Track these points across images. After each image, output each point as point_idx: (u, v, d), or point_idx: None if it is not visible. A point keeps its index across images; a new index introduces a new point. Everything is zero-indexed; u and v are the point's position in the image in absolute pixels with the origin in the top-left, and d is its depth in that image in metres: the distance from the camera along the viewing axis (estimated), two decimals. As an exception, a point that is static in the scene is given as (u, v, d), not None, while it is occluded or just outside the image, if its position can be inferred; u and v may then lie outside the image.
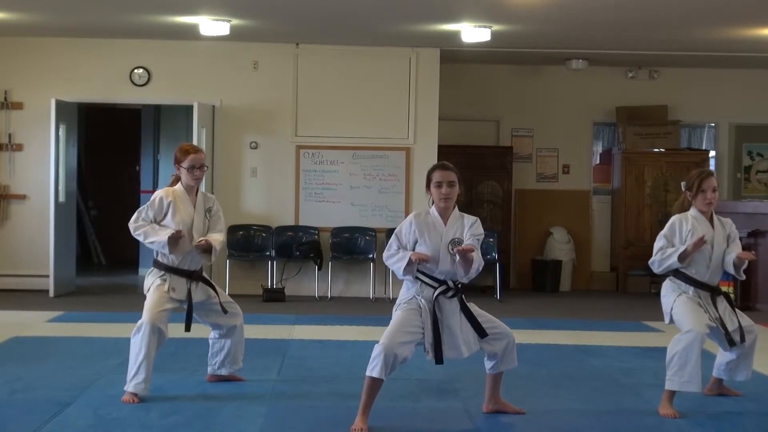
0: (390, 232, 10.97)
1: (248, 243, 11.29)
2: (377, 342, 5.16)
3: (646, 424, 5.54)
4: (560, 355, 7.68)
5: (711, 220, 5.78)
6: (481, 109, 12.71)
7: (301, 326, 8.95)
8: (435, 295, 5.21)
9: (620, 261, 12.47)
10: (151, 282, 5.91)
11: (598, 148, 13.01)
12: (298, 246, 11.12)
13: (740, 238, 10.25)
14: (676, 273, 5.76)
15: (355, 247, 11.27)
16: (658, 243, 5.78)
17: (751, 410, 5.79)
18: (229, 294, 10.67)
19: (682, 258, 5.64)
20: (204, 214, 6.00)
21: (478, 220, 5.37)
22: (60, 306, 9.87)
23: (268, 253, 11.21)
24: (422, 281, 5.25)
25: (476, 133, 12.71)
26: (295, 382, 6.38)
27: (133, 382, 5.69)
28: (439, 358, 5.20)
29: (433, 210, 5.32)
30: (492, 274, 11.42)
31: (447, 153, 11.00)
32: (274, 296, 10.79)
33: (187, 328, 5.92)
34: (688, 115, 12.79)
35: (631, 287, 12.24)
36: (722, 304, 5.76)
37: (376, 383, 5.13)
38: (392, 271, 5.44)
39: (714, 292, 5.75)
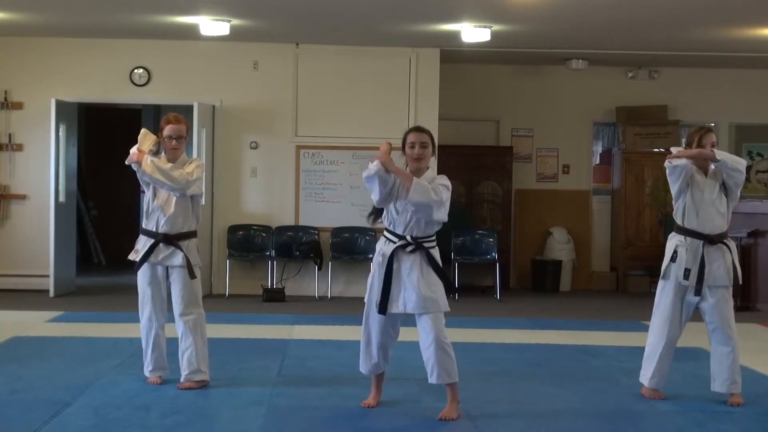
0: (390, 232, 10.98)
1: (248, 243, 11.29)
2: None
3: (646, 424, 5.55)
4: (560, 355, 7.68)
5: (706, 173, 5.97)
6: (481, 109, 12.70)
7: (301, 326, 8.95)
8: (394, 249, 5.43)
9: (620, 261, 12.47)
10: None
11: (598, 148, 13.01)
12: (298, 246, 11.12)
13: (740, 238, 10.34)
14: (677, 227, 6.00)
15: (355, 247, 11.26)
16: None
17: (751, 410, 5.79)
18: (229, 294, 10.82)
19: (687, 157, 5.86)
20: None
21: (444, 176, 5.55)
22: (60, 306, 9.87)
23: (268, 253, 11.21)
24: (386, 237, 5.52)
25: (476, 133, 12.71)
26: (295, 382, 6.38)
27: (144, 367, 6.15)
28: (382, 310, 5.44)
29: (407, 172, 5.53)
30: (492, 274, 11.42)
31: (447, 153, 11.00)
32: (274, 296, 10.79)
33: (136, 269, 6.07)
34: (688, 115, 12.78)
35: (631, 287, 12.24)
36: (714, 254, 5.87)
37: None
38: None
39: (706, 240, 5.88)
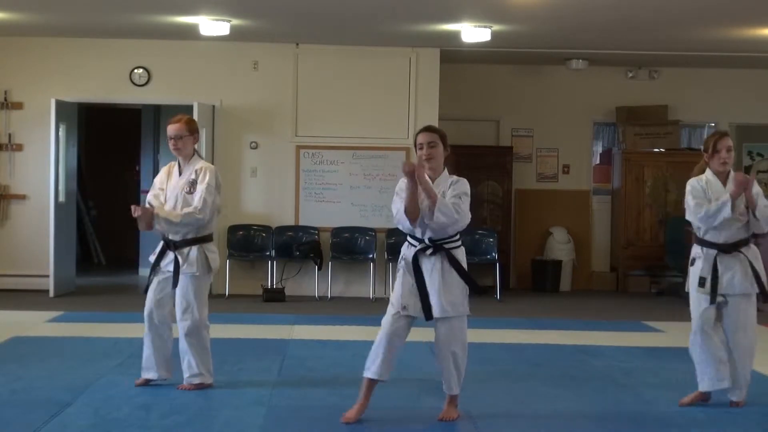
0: (390, 232, 10.99)
1: (248, 243, 11.29)
2: (375, 342, 5.20)
3: (645, 424, 5.55)
4: (560, 355, 7.68)
5: (725, 181, 5.86)
6: (481, 109, 12.71)
7: (301, 326, 8.95)
8: (414, 253, 5.32)
9: (620, 261, 12.47)
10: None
11: (598, 148, 13.01)
12: (298, 246, 11.12)
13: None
14: (695, 238, 5.91)
15: (355, 247, 11.26)
16: (690, 203, 5.83)
17: (751, 410, 5.79)
18: (229, 294, 10.82)
19: (733, 206, 5.71)
20: (186, 185, 6.02)
21: (464, 179, 5.42)
22: (60, 306, 9.87)
23: (268, 253, 11.21)
24: (408, 241, 5.41)
25: (476, 133, 12.71)
26: (295, 382, 6.38)
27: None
28: (429, 316, 5.29)
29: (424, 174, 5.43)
30: (492, 274, 11.42)
31: (447, 153, 10.99)
32: (274, 296, 10.79)
33: (145, 290, 6.10)
34: (688, 115, 12.79)
35: (631, 287, 12.23)
36: (730, 262, 5.78)
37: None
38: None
39: (720, 249, 5.79)
